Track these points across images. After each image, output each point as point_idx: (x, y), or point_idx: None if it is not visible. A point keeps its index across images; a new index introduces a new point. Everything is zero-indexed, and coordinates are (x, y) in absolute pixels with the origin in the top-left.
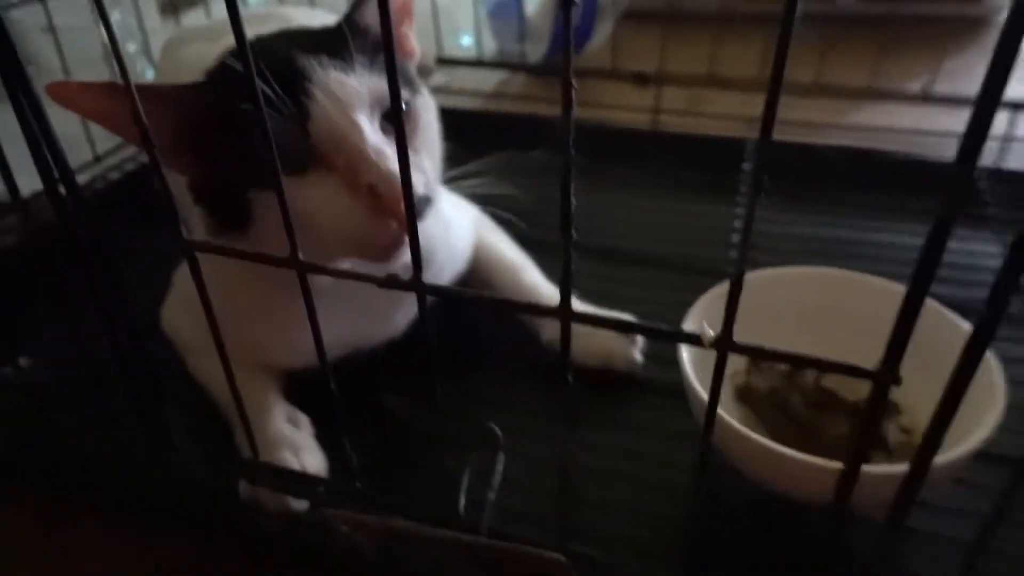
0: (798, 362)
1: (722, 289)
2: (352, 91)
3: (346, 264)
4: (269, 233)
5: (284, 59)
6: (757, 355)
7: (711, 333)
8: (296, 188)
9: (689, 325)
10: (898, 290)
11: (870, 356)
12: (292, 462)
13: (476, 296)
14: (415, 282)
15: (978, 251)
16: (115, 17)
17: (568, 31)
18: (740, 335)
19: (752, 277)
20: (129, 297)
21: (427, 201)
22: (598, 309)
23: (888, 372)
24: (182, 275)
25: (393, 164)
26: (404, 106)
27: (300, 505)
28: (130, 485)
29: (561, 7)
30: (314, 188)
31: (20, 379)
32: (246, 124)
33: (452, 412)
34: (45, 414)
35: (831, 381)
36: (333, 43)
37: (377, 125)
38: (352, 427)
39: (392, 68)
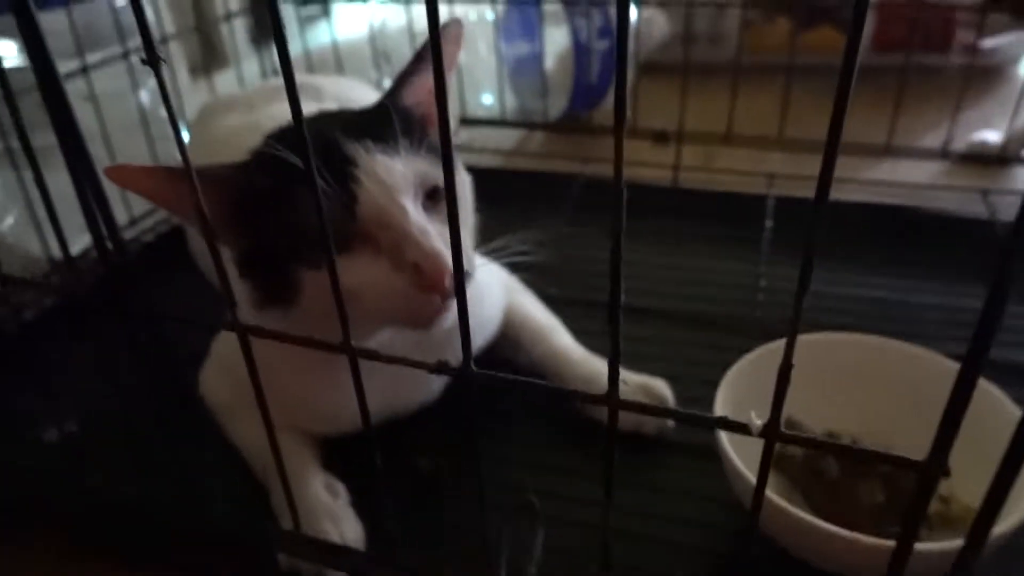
0: (849, 454)
1: (754, 356)
2: (398, 175)
3: (386, 334)
4: (316, 309)
5: (331, 142)
6: (808, 445)
7: (759, 423)
8: (343, 266)
9: (721, 398)
10: (930, 356)
11: (903, 424)
12: (332, 533)
13: (527, 383)
14: (465, 369)
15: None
16: (150, 83)
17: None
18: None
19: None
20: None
21: (468, 276)
22: (624, 370)
23: (937, 463)
24: (223, 341)
25: (436, 242)
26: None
27: None
28: (165, 539)
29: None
30: (360, 266)
31: (63, 443)
32: (296, 205)
33: (488, 477)
34: (86, 477)
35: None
36: (376, 126)
37: (420, 204)
38: (389, 493)
39: (448, 159)
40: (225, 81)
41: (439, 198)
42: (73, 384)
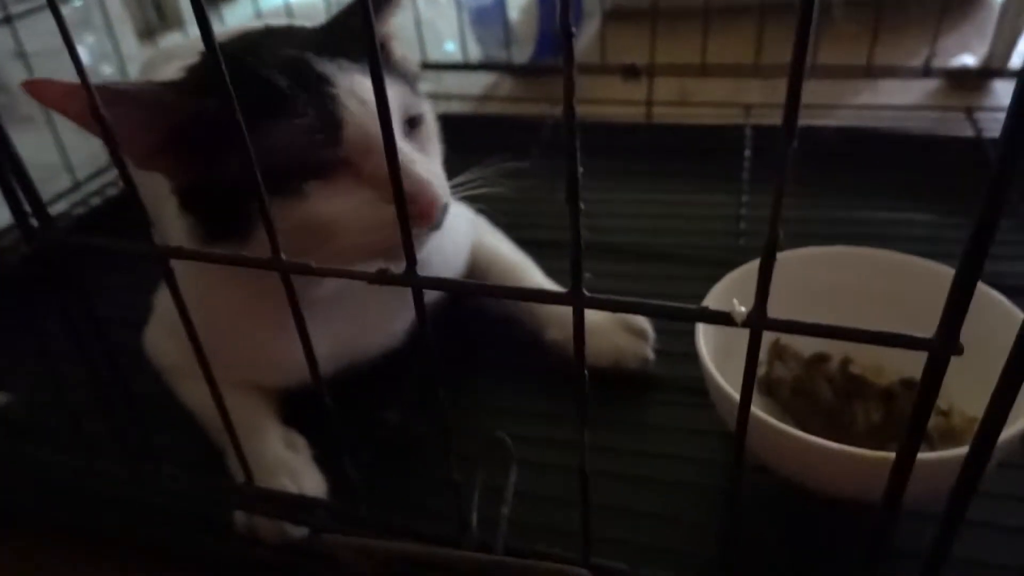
0: (841, 335)
1: (741, 272)
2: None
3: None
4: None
5: (298, 60)
6: (795, 330)
7: (743, 310)
8: (321, 196)
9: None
10: (920, 264)
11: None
12: (290, 487)
13: (479, 286)
14: (409, 276)
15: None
16: (89, 40)
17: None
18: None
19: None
20: (106, 322)
21: (446, 208)
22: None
23: (947, 341)
24: (163, 295)
25: (425, 171)
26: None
27: (300, 532)
28: (116, 516)
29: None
30: (341, 195)
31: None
32: (265, 129)
33: (457, 424)
34: (25, 448)
35: (858, 367)
36: (340, 46)
37: (402, 132)
38: (352, 445)
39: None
40: (174, 43)
41: (418, 126)
42: (3, 354)
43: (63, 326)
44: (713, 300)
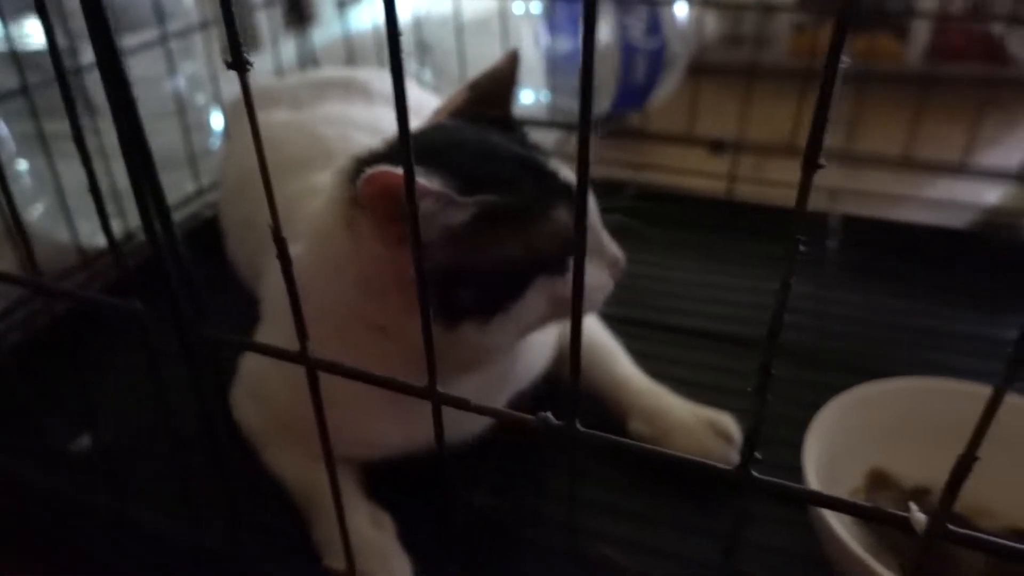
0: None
1: (844, 400)
2: None
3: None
4: (531, 316)
5: (535, 162)
6: (973, 546)
7: (923, 517)
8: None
9: (811, 447)
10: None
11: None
12: (378, 571)
13: (640, 448)
14: (570, 428)
15: None
16: (189, 69)
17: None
18: (865, 445)
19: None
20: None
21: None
22: (682, 400)
23: None
24: (250, 362)
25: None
26: None
27: None
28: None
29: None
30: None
31: (90, 458)
32: (543, 220)
33: (543, 514)
34: (114, 501)
35: (963, 507)
36: (528, 142)
37: None
38: (446, 532)
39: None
40: (260, 65)
41: None
42: (104, 394)
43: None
44: (819, 427)
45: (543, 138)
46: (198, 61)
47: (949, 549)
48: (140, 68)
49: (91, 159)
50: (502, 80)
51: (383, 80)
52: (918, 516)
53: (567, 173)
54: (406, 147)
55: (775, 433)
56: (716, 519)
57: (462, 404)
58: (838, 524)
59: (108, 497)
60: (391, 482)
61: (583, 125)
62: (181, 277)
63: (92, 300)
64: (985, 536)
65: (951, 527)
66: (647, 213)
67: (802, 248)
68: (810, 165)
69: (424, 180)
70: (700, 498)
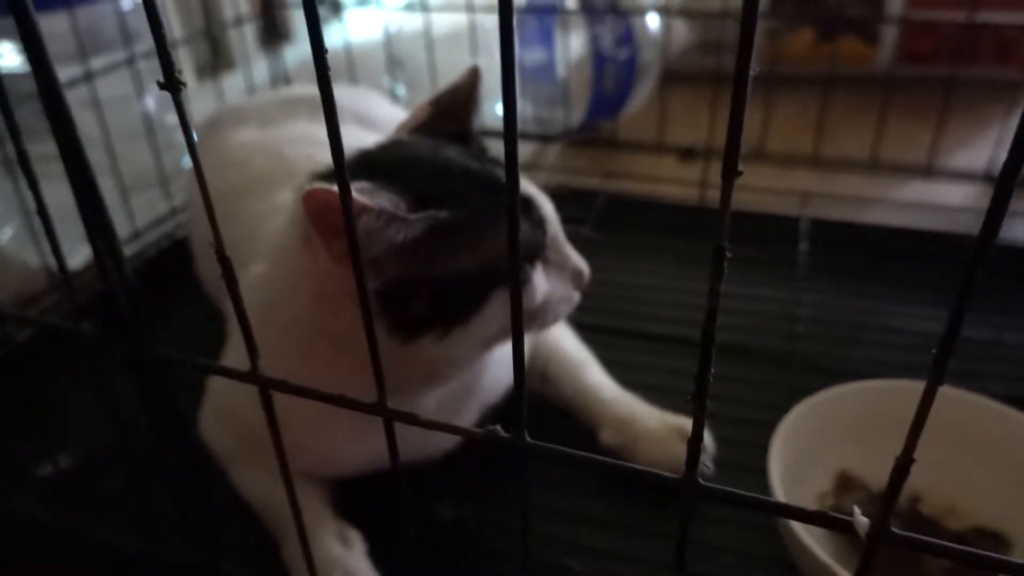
0: (968, 560)
1: (809, 404)
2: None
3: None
4: (491, 327)
5: (491, 176)
6: (920, 548)
7: (865, 520)
8: (540, 279)
9: (776, 451)
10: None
11: (966, 475)
12: None
13: (588, 459)
14: (517, 439)
15: None
16: (155, 89)
17: None
18: (833, 448)
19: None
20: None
21: None
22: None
23: None
24: (216, 382)
25: None
26: None
27: None
28: None
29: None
30: (546, 277)
31: (58, 479)
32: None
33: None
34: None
35: (929, 507)
36: (487, 156)
37: None
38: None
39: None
40: (233, 84)
41: None
42: (69, 415)
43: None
44: (786, 430)
45: (519, 150)
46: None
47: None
48: (108, 88)
49: (38, 183)
50: (463, 95)
51: (353, 98)
52: (861, 520)
53: (528, 187)
54: (340, 165)
55: (746, 436)
56: (670, 522)
57: (412, 420)
58: (802, 528)
59: (71, 516)
60: (365, 498)
61: (508, 135)
62: (129, 299)
63: (41, 323)
64: (927, 539)
65: (894, 530)
66: (619, 221)
67: (729, 254)
68: (729, 174)
69: (363, 197)
70: (665, 503)
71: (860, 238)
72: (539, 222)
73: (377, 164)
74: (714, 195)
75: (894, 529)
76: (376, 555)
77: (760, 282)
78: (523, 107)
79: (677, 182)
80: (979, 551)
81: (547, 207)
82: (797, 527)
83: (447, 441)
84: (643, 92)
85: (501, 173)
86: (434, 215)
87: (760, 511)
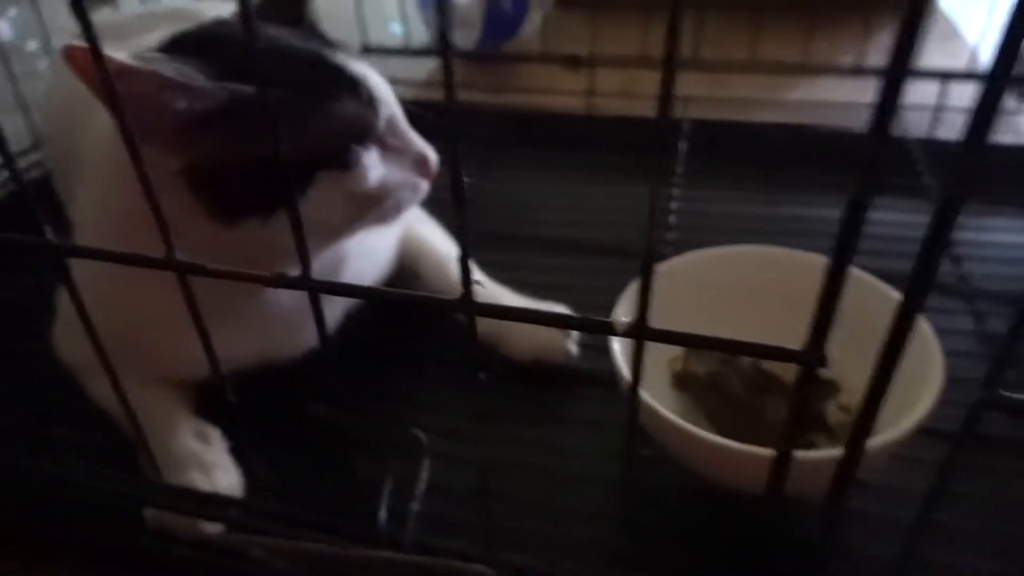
0: (711, 345)
1: (663, 268)
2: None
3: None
4: (322, 212)
5: (316, 56)
6: (668, 340)
7: (624, 320)
8: (371, 164)
9: (620, 312)
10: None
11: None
12: (202, 482)
13: (369, 291)
14: (304, 280)
15: (912, 222)
16: (12, 13)
17: None
18: (672, 319)
19: (684, 259)
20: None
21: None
22: (534, 301)
23: (813, 353)
24: (65, 295)
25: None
26: None
27: (214, 528)
28: (22, 510)
29: None
30: (382, 163)
31: None
32: (319, 112)
33: (382, 417)
34: None
35: (769, 363)
36: (323, 39)
37: None
38: (272, 440)
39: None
40: (107, 17)
41: None
42: None
43: None
44: (628, 299)
45: (417, 69)
46: (25, 5)
47: (756, 405)
48: None
49: None
50: None
51: (215, 9)
52: (620, 321)
53: (358, 67)
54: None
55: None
56: (541, 404)
57: (200, 270)
58: (648, 395)
59: None
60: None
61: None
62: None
63: None
64: (678, 332)
65: (650, 327)
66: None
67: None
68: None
69: (124, 59)
70: (528, 387)
71: (737, 136)
72: (369, 100)
73: (187, 42)
74: (602, 104)
75: (650, 327)
76: (241, 455)
77: (641, 183)
78: (419, 29)
79: (565, 93)
80: (723, 338)
81: (382, 87)
82: (645, 395)
83: (308, 339)
84: (536, 17)
85: (329, 53)
86: (233, 87)
87: (527, 321)
